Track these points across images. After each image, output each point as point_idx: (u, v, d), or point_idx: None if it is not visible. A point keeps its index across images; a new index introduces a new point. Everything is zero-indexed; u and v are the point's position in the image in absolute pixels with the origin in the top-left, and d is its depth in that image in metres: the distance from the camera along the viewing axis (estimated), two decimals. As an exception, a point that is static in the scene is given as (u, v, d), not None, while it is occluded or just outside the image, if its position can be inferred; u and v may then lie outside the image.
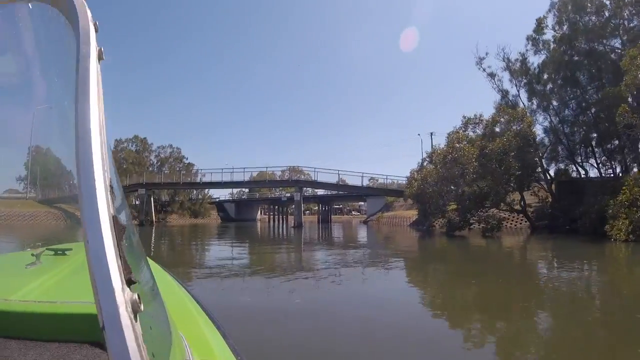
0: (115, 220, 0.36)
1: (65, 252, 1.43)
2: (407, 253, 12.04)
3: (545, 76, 22.59)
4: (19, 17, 0.68)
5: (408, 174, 28.77)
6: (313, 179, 32.31)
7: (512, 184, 18.05)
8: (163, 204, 45.07)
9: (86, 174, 0.37)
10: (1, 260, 1.62)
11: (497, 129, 19.48)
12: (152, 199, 37.69)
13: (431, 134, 45.80)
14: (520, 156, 18.19)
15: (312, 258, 10.69)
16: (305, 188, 59.21)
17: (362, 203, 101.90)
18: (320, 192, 53.47)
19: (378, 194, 36.13)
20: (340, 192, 55.22)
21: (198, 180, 36.36)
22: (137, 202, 37.07)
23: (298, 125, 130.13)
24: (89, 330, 0.74)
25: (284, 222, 53.87)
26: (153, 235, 21.75)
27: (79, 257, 1.33)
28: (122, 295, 0.32)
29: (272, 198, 58.56)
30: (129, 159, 42.38)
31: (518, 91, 24.56)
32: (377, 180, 33.82)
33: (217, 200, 56.29)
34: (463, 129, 20.30)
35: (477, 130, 20.21)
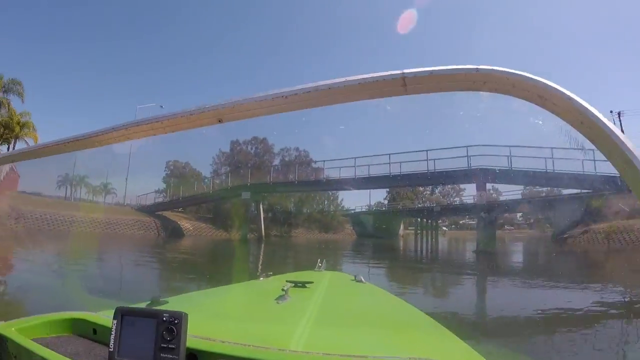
0: None
1: (306, 285, 1.45)
2: None
3: None
4: None
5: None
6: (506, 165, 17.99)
7: None
8: (286, 215, 38.27)
9: None
10: (251, 290, 1.65)
11: None
12: (260, 206, 29.74)
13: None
14: None
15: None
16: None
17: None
18: (467, 195, 37.34)
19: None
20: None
21: (320, 178, 26.61)
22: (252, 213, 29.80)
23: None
24: None
25: (432, 238, 41.51)
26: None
27: (319, 292, 1.40)
28: None
29: (420, 208, 45.38)
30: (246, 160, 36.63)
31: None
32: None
33: (353, 211, 46.48)
34: None
35: None
